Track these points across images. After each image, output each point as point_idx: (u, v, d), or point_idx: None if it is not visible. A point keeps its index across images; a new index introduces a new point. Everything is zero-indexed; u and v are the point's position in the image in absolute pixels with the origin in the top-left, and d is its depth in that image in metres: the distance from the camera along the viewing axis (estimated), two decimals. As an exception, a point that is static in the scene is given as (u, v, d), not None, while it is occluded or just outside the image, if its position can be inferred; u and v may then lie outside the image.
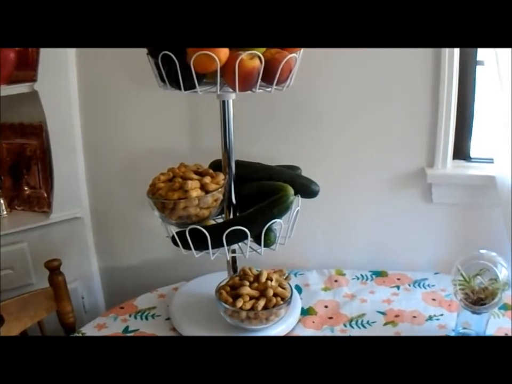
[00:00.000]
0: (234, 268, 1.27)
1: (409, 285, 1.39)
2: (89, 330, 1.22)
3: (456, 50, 1.30)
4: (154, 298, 1.36)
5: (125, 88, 1.46)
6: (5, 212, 1.51)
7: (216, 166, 1.20)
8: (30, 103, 1.41)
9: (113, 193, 1.59)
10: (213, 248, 1.11)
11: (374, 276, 1.44)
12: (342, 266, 1.49)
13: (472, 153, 1.45)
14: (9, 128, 1.51)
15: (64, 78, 1.42)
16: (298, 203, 1.20)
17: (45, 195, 1.53)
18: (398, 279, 1.42)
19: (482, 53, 1.32)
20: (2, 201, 1.51)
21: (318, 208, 1.44)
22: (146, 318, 1.27)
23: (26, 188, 1.56)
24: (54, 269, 1.26)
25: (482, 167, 1.41)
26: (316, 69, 1.35)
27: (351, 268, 1.47)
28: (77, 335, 1.20)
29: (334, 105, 1.41)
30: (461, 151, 1.44)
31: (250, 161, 1.25)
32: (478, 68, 1.36)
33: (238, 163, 1.20)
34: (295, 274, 1.46)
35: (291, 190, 1.14)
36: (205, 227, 1.09)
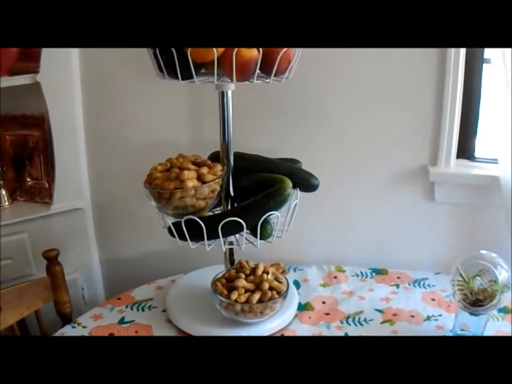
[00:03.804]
0: (232, 261, 1.26)
1: (409, 284, 1.37)
2: (85, 320, 1.22)
3: (462, 48, 1.29)
4: (151, 290, 1.36)
5: (127, 80, 1.47)
6: (6, 203, 1.52)
7: (215, 157, 1.19)
8: (32, 95, 1.42)
9: (114, 184, 1.59)
10: (209, 239, 1.11)
11: (374, 274, 1.43)
12: (343, 262, 1.48)
13: (477, 153, 1.43)
14: (12, 120, 1.52)
15: (66, 70, 1.43)
16: (297, 196, 1.19)
17: (47, 186, 1.53)
18: (398, 277, 1.41)
19: (489, 51, 1.30)
20: (3, 192, 1.52)
21: (319, 203, 1.44)
22: (143, 310, 1.27)
23: (28, 179, 1.57)
24: (52, 258, 1.26)
25: (486, 167, 1.39)
26: (319, 63, 1.35)
27: (351, 265, 1.46)
28: (73, 325, 1.20)
29: (338, 101, 1.40)
30: (465, 150, 1.42)
31: (250, 153, 1.24)
32: (485, 66, 1.35)
33: (237, 155, 1.20)
34: (295, 269, 1.45)
35: (289, 183, 1.13)
36: (201, 218, 1.09)
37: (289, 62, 1.02)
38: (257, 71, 1.00)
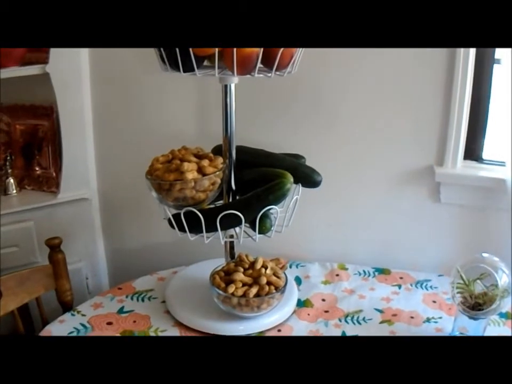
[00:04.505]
0: (232, 254, 1.26)
1: (411, 285, 1.36)
2: (85, 309, 1.23)
3: (472, 48, 1.27)
4: (153, 281, 1.37)
5: (136, 72, 1.48)
6: (14, 191, 1.54)
7: (219, 150, 1.20)
8: (41, 85, 1.43)
9: (121, 175, 1.61)
10: (208, 231, 1.11)
11: (376, 273, 1.42)
12: (346, 261, 1.47)
13: (485, 155, 1.41)
14: (22, 109, 1.54)
15: (75, 61, 1.44)
16: (298, 192, 1.19)
17: (54, 175, 1.55)
18: (401, 278, 1.39)
19: (500, 52, 1.28)
20: (12, 180, 1.54)
21: (324, 201, 1.44)
22: (143, 300, 1.28)
23: (37, 168, 1.59)
24: (54, 246, 1.28)
25: (493, 169, 1.37)
26: (328, 60, 1.35)
27: (354, 263, 1.46)
28: (73, 313, 1.22)
29: (345, 98, 1.39)
30: (473, 152, 1.40)
31: (253, 147, 1.25)
32: (495, 66, 1.32)
33: (241, 149, 1.20)
34: (297, 266, 1.45)
35: (289, 178, 1.13)
36: (200, 210, 1.09)
37: (291, 56, 1.02)
38: (260, 65, 1.00)
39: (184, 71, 1.00)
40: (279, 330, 1.17)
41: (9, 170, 1.53)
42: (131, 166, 1.57)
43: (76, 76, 1.45)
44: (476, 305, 1.06)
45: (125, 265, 1.70)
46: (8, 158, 1.53)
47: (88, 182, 1.58)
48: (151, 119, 1.53)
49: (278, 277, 1.16)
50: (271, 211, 1.14)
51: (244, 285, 1.12)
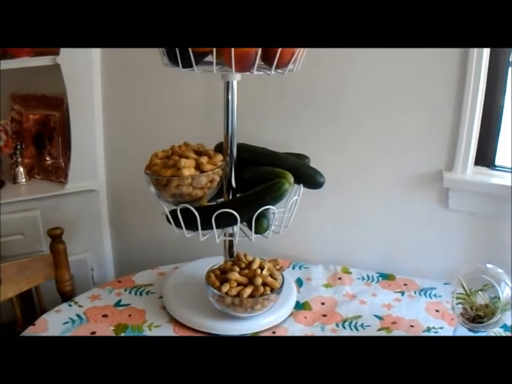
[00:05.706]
0: (231, 253, 1.25)
1: (415, 292, 1.32)
2: (82, 300, 1.24)
3: (486, 49, 1.23)
4: (153, 275, 1.37)
5: (147, 66, 1.46)
6: (23, 180, 1.57)
7: (221, 148, 1.18)
8: (53, 76, 1.45)
9: (130, 168, 1.59)
10: (204, 229, 1.10)
11: (380, 278, 1.39)
12: (351, 264, 1.44)
13: (498, 161, 1.36)
14: (34, 99, 1.56)
15: (86, 53, 1.45)
16: (299, 192, 1.17)
17: (63, 166, 1.57)
18: (405, 284, 1.36)
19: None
20: (21, 169, 1.56)
21: (330, 202, 1.43)
22: (141, 294, 1.28)
23: (48, 158, 1.61)
24: (56, 236, 1.28)
25: (505, 176, 1.32)
26: (336, 59, 1.33)
27: (360, 267, 1.43)
28: (70, 303, 1.22)
29: (353, 99, 1.37)
30: (486, 157, 1.36)
31: (256, 145, 1.23)
32: (510, 69, 1.28)
33: (243, 146, 1.19)
34: (300, 267, 1.43)
35: (289, 178, 1.11)
36: (197, 207, 1.08)
37: (292, 55, 0.99)
38: (260, 62, 0.99)
39: (184, 67, 0.99)
40: (273, 332, 1.15)
41: (19, 159, 1.55)
42: (139, 159, 1.55)
43: (86, 67, 1.46)
44: (476, 318, 1.03)
45: (131, 257, 1.71)
46: (19, 147, 1.55)
47: (96, 174, 1.59)
48: (160, 114, 1.53)
49: (274, 278, 1.14)
50: (269, 211, 1.12)
51: (238, 284, 1.11)
